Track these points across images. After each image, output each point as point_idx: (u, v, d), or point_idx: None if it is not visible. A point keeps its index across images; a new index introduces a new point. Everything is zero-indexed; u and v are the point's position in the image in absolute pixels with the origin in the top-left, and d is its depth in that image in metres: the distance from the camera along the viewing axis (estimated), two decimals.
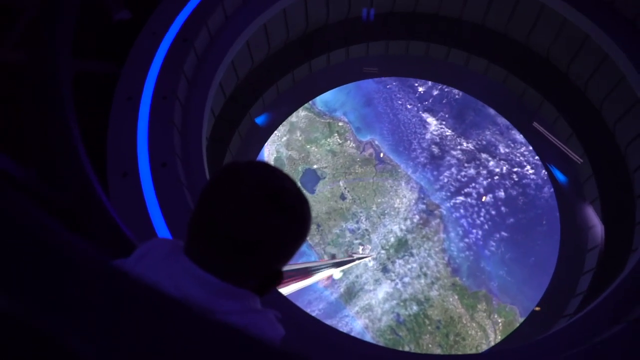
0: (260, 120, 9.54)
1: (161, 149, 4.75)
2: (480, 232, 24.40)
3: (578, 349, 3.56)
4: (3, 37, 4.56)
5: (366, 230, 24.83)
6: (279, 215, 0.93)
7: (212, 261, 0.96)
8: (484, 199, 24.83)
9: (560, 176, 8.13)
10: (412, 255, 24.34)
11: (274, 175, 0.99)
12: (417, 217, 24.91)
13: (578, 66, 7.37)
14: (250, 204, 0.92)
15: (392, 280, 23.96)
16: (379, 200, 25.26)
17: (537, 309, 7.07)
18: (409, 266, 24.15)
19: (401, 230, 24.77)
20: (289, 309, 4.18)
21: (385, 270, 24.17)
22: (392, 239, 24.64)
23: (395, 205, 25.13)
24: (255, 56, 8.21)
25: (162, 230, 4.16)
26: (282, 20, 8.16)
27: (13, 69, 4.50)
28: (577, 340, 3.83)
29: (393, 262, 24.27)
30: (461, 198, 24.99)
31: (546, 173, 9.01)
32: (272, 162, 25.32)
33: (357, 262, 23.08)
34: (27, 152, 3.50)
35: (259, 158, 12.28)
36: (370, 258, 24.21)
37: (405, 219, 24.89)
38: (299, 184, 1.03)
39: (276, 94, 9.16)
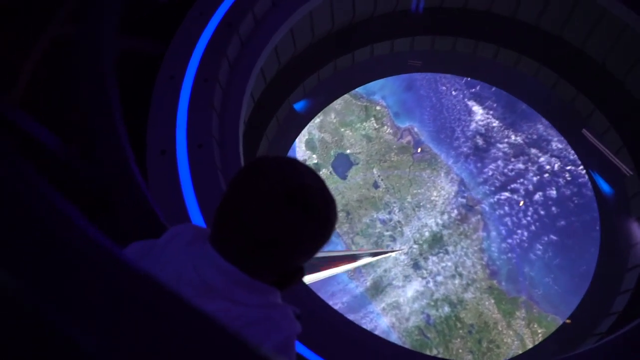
0: (299, 106, 10.22)
1: (199, 130, 5.15)
2: (525, 234, 24.11)
3: None
4: (54, 12, 4.85)
5: (398, 222, 25.07)
6: (298, 213, 1.00)
7: (233, 252, 1.05)
8: (521, 204, 24.60)
9: (605, 187, 8.54)
10: (447, 252, 24.53)
11: (298, 172, 1.05)
12: (455, 211, 24.97)
13: (636, 76, 7.69)
14: (270, 200, 0.99)
15: (424, 278, 24.24)
16: (415, 191, 25.46)
17: (568, 321, 7.64)
18: (443, 264, 24.36)
19: (437, 224, 24.91)
20: (310, 299, 4.49)
21: (416, 266, 24.47)
22: (427, 234, 24.83)
23: (432, 198, 25.29)
24: (299, 44, 8.77)
25: (193, 209, 4.58)
26: (329, 9, 8.72)
27: (62, 43, 4.85)
28: None
29: (426, 259, 24.54)
30: (506, 194, 24.70)
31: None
32: (303, 144, 25.71)
33: (386, 255, 23.18)
34: (68, 125, 3.90)
35: (294, 143, 12.85)
36: (400, 252, 24.48)
37: (442, 213, 25.01)
38: (326, 183, 1.10)
39: (317, 82, 9.80)
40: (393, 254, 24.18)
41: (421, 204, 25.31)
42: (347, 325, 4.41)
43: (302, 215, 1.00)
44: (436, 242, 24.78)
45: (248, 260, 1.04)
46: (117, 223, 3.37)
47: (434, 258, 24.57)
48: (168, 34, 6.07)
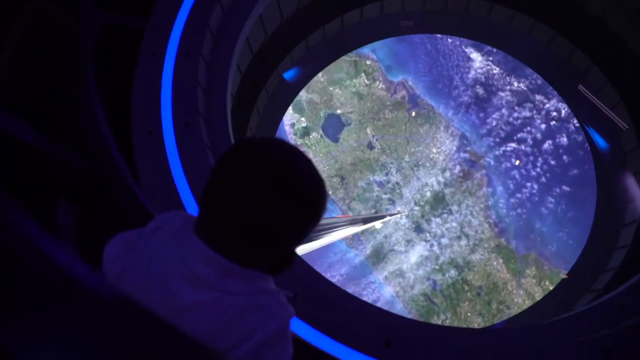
0: (288, 75, 10.82)
1: (185, 107, 5.35)
2: (535, 186, 24.61)
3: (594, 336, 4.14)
4: None
5: (397, 183, 25.66)
6: (287, 197, 1.05)
7: (220, 240, 1.11)
8: (517, 163, 25.04)
9: (601, 143, 9.45)
10: (451, 212, 25.19)
11: (286, 153, 1.10)
12: (457, 168, 25.58)
13: (634, 30, 8.37)
14: (258, 185, 1.04)
15: (427, 241, 24.97)
16: (413, 149, 25.95)
17: (565, 276, 8.63)
18: (447, 225, 25.06)
19: (438, 183, 25.52)
20: (305, 272, 4.65)
21: (419, 229, 25.14)
22: (428, 194, 25.46)
23: (432, 155, 25.87)
24: (285, 10, 9.08)
25: (184, 190, 4.86)
26: None
27: (43, 20, 4.97)
28: (597, 325, 4.36)
29: (428, 221, 25.23)
30: (513, 145, 25.17)
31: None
32: (290, 107, 25.68)
33: (384, 219, 23.41)
34: (46, 113, 3.84)
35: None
36: (400, 215, 25.02)
37: (444, 171, 25.60)
38: (314, 164, 1.17)
39: (305, 50, 10.36)
40: (393, 218, 24.58)
41: (420, 162, 25.85)
42: (345, 298, 4.66)
43: (291, 197, 1.05)
44: (438, 203, 25.43)
45: (237, 249, 1.10)
46: (106, 219, 3.70)
47: (437, 219, 25.25)
48: (148, 7, 6.29)
